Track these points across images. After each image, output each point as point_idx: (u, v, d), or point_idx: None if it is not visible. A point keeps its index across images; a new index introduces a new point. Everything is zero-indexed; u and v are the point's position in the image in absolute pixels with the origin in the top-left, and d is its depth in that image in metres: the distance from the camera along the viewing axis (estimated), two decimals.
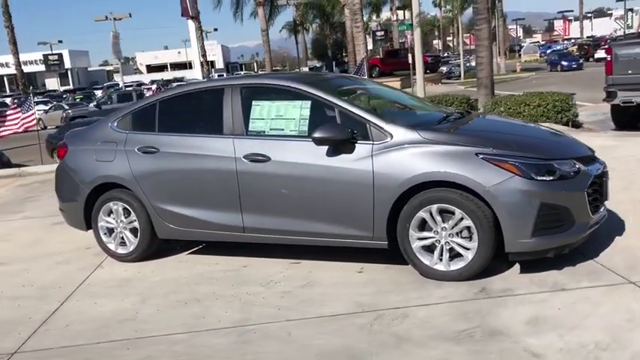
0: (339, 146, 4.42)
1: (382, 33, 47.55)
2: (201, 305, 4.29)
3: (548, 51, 63.20)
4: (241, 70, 78.27)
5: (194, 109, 5.35)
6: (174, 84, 52.04)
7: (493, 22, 49.73)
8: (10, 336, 4.07)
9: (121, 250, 5.47)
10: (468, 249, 4.19)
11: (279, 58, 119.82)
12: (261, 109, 4.85)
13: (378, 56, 41.82)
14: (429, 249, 4.33)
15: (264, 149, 4.70)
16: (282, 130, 4.74)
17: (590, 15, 74.15)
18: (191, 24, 11.37)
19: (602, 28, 72.74)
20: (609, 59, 10.00)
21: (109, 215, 5.45)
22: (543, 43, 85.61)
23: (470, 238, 4.17)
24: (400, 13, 48.61)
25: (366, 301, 4.06)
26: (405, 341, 3.45)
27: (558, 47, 66.31)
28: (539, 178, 4.05)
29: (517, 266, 4.38)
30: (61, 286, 4.99)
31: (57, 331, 4.07)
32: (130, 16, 37.95)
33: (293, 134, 4.69)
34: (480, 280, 4.21)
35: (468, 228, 4.16)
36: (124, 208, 5.35)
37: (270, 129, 4.78)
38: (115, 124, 5.47)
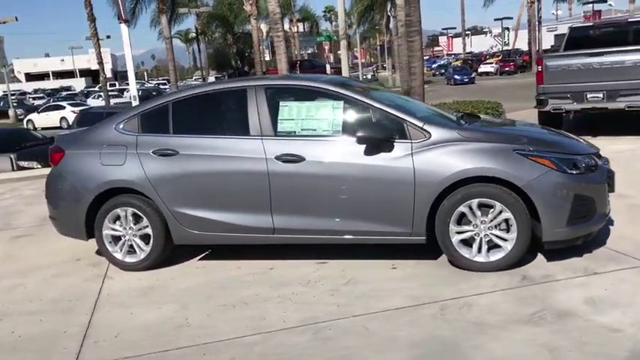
0: (379, 145, 4.53)
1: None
2: (252, 308, 4.21)
3: (434, 65, 66.98)
4: None
5: (213, 110, 5.23)
6: (64, 93, 49.22)
7: (386, 37, 51.78)
8: (56, 351, 3.78)
9: (129, 259, 5.20)
10: (506, 240, 4.45)
11: (166, 68, 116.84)
12: (290, 109, 4.85)
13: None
14: (466, 242, 4.54)
15: (297, 149, 4.70)
16: (315, 130, 4.77)
17: (467, 32, 79.01)
18: (124, 28, 10.88)
19: (479, 44, 78.09)
20: (540, 70, 10.86)
21: (114, 222, 5.17)
22: (427, 57, 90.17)
23: (507, 229, 4.43)
24: (300, 25, 49.46)
25: (419, 294, 4.19)
26: (486, 327, 3.62)
27: (442, 62, 70.45)
28: (570, 171, 4.40)
29: (540, 256, 4.69)
30: (77, 299, 4.68)
31: (109, 342, 3.83)
32: (17, 19, 35.58)
33: (326, 134, 4.74)
34: (516, 269, 4.48)
35: (506, 220, 4.42)
36: (134, 214, 5.11)
37: (302, 129, 4.80)
38: (121, 126, 5.21)
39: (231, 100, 5.18)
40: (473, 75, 41.78)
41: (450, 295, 4.13)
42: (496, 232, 4.46)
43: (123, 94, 41.68)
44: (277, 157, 4.71)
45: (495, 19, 60.99)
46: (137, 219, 5.13)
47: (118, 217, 5.17)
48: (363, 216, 4.65)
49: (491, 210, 4.43)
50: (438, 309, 3.93)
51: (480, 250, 4.51)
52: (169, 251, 5.21)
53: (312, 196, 4.71)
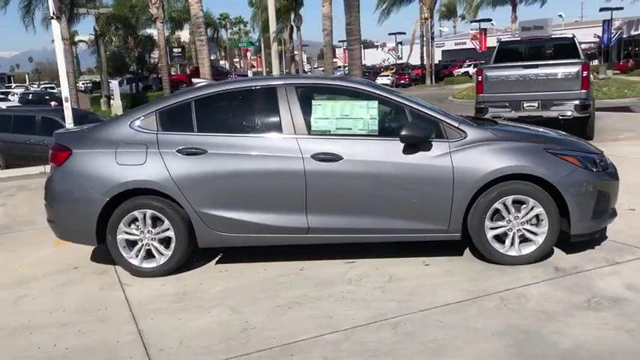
0: (419, 144, 4.64)
1: (179, 50, 46.91)
2: (309, 307, 4.14)
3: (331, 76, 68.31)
4: (10, 82, 70.28)
5: (241, 108, 5.08)
6: None
7: (289, 45, 52.18)
8: None
9: (147, 265, 4.91)
10: (536, 234, 4.71)
11: (47, 71, 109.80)
12: (324, 108, 4.83)
13: (186, 72, 41.15)
14: (498, 237, 4.75)
15: (333, 148, 4.70)
16: (350, 129, 4.79)
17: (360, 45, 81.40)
18: (55, 24, 10.00)
19: (371, 57, 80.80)
20: (480, 80, 11.52)
21: (129, 226, 4.87)
22: (322, 68, 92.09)
23: (537, 224, 4.70)
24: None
25: (470, 288, 4.33)
26: (553, 314, 3.82)
27: (338, 73, 72.10)
28: (594, 169, 4.75)
29: (558, 250, 4.99)
30: (105, 308, 4.35)
31: (178, 350, 3.61)
32: None
33: (362, 133, 4.77)
34: (543, 262, 4.75)
35: (537, 216, 4.68)
36: (153, 217, 4.84)
37: (337, 128, 4.80)
38: (137, 123, 4.93)
39: (259, 98, 5.05)
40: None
41: (499, 288, 4.30)
42: (527, 226, 4.71)
43: (8, 97, 38.59)
44: (313, 156, 4.67)
45: (390, 34, 63.37)
46: (155, 222, 4.86)
47: (133, 221, 4.87)
48: (400, 214, 4.72)
49: (524, 206, 4.67)
50: (498, 300, 4.09)
51: (512, 244, 4.73)
52: (188, 255, 4.98)
53: (349, 195, 4.71)
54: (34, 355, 3.65)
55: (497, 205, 4.66)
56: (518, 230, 4.71)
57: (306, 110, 4.82)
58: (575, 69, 10.76)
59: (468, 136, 4.69)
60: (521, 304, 4.02)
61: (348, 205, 4.73)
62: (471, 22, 54.12)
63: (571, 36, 12.48)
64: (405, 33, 63.65)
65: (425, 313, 3.95)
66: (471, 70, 54.50)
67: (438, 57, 65.88)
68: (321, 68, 71.63)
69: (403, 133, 4.56)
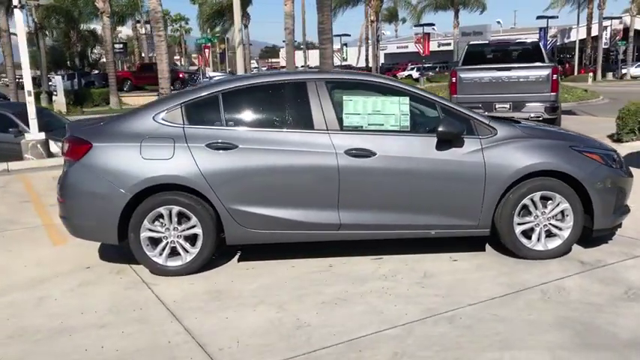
0: (452, 141, 4.68)
1: (121, 46, 45.55)
2: (356, 303, 4.10)
3: None
4: None
5: (270, 103, 4.96)
6: None
7: (227, 44, 51.52)
8: None
9: (172, 263, 4.74)
10: (561, 229, 4.84)
11: None
12: (355, 104, 4.80)
13: (131, 69, 39.89)
14: (525, 233, 4.85)
15: (367, 144, 4.67)
16: (382, 125, 4.78)
17: (302, 47, 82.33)
18: (18, 14, 9.37)
19: (314, 58, 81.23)
20: (454, 81, 11.76)
21: (153, 223, 4.68)
22: (265, 68, 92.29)
23: (562, 220, 4.83)
24: (149, 27, 47.18)
25: (508, 282, 4.41)
26: (599, 306, 3.93)
27: None
28: (614, 166, 4.93)
29: (575, 245, 5.14)
30: (140, 308, 4.16)
31: (238, 348, 3.49)
32: None
33: (394, 129, 4.77)
34: (566, 256, 4.88)
35: (562, 211, 4.81)
36: (179, 213, 4.67)
37: (369, 124, 4.78)
38: (161, 116, 4.74)
39: (289, 92, 4.96)
40: None
41: (536, 281, 4.39)
42: (553, 222, 4.83)
43: None
44: (347, 152, 4.64)
45: (335, 35, 63.76)
46: (182, 218, 4.69)
47: (158, 217, 4.68)
48: (432, 210, 4.75)
49: (550, 202, 4.79)
50: (540, 294, 4.17)
51: (538, 239, 4.84)
52: (214, 252, 4.84)
53: (382, 191, 4.70)
54: (85, 357, 3.46)
55: (526, 200, 4.76)
56: (544, 225, 4.83)
57: (337, 105, 4.78)
58: (545, 72, 11.16)
59: (498, 133, 4.77)
60: (563, 296, 4.12)
61: (380, 202, 4.72)
62: (415, 26, 55.12)
63: (536, 40, 12.91)
64: (349, 35, 64.21)
65: (474, 307, 3.98)
66: (415, 74, 55.75)
67: (380, 60, 66.83)
68: (264, 68, 71.35)
69: (441, 129, 4.58)
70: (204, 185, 4.60)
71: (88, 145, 4.68)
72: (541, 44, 12.66)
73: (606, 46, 51.87)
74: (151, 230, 4.68)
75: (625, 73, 50.11)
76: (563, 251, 4.85)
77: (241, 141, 4.64)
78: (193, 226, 4.69)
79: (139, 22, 47.28)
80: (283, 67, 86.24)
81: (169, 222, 4.68)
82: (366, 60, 57.91)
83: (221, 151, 4.63)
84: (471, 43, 13.65)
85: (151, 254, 4.71)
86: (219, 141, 4.64)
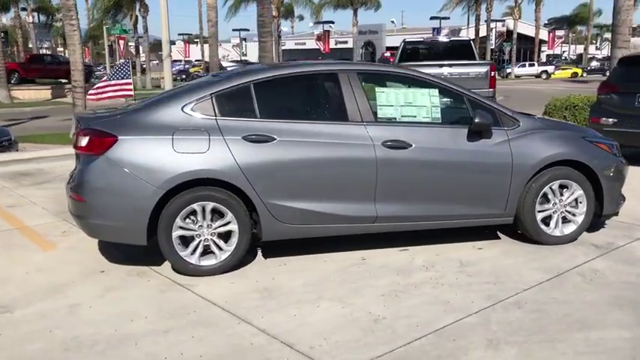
0: (482, 132, 4.81)
1: (2, 35, 42.19)
2: (417, 295, 4.10)
3: (172, 69, 66.49)
4: None
5: (304, 94, 4.84)
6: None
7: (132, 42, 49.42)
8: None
9: (205, 262, 4.49)
10: (575, 215, 5.13)
11: None
12: (388, 95, 4.80)
13: (19, 61, 36.84)
14: (543, 220, 5.09)
15: (402, 135, 4.69)
16: (415, 117, 4.82)
17: (196, 40, 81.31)
18: None
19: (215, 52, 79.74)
20: None
21: (184, 220, 4.42)
22: (157, 62, 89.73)
23: (576, 206, 5.12)
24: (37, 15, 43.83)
25: (543, 267, 4.60)
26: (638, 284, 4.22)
27: (178, 67, 70.32)
28: (617, 154, 5.29)
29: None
30: (194, 310, 3.91)
31: (330, 346, 3.38)
32: None
33: (427, 121, 4.83)
34: (578, 241, 5.17)
35: (576, 199, 5.10)
36: (213, 210, 4.44)
37: (402, 116, 4.80)
38: (190, 107, 4.48)
39: (321, 83, 4.85)
40: None
41: (567, 265, 4.62)
42: (569, 208, 5.10)
43: None
44: (384, 144, 4.63)
45: (234, 30, 63.11)
46: (216, 215, 4.47)
47: (190, 214, 4.42)
48: (463, 200, 4.86)
49: (566, 189, 5.06)
50: (579, 276, 4.40)
51: (556, 225, 5.10)
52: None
53: (417, 182, 4.74)
54: None
55: (546, 189, 4.99)
56: (561, 212, 5.09)
57: (370, 97, 4.75)
58: (484, 69, 11.73)
59: (521, 125, 4.96)
60: (602, 278, 4.37)
61: (415, 193, 4.76)
62: (315, 23, 55.76)
63: (467, 39, 13.53)
64: (249, 30, 63.69)
65: (530, 292, 4.12)
66: None
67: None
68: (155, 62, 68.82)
69: (477, 120, 4.69)
70: (242, 179, 4.39)
71: (112, 138, 4.31)
72: (472, 43, 13.25)
73: (492, 47, 55.33)
74: (182, 228, 4.41)
75: (509, 73, 53.75)
76: (577, 236, 5.14)
77: (278, 133, 4.49)
78: (228, 223, 4.47)
79: (24, 9, 43.90)
80: (175, 60, 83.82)
81: (203, 219, 4.43)
82: None
83: (258, 144, 4.44)
84: (406, 40, 14.03)
85: (184, 254, 4.43)
86: (257, 133, 4.45)
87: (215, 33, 19.14)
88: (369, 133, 4.62)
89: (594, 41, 75.82)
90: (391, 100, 4.78)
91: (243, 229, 4.49)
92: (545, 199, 5.03)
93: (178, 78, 59.17)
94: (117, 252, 5.01)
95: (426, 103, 4.84)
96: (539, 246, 5.06)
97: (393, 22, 67.64)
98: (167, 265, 4.69)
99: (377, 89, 4.79)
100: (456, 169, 4.78)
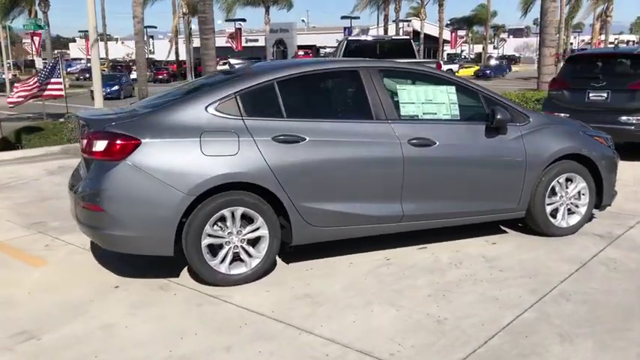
0: (499, 128, 4.87)
1: None
2: (462, 293, 4.07)
3: (71, 68, 63.68)
4: None
5: (327, 92, 4.67)
6: None
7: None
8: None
9: (235, 271, 4.24)
10: (578, 207, 5.32)
11: None
12: (409, 93, 4.75)
13: None
14: (551, 212, 5.24)
15: (426, 133, 4.66)
16: (435, 114, 4.80)
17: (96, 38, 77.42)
18: None
19: (115, 51, 76.46)
20: None
21: (212, 227, 4.16)
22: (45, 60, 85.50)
23: (579, 198, 5.31)
24: None
25: (566, 257, 4.73)
26: None
27: (79, 66, 67.25)
28: (612, 147, 5.55)
29: None
30: (245, 323, 3.67)
31: (410, 352, 3.28)
32: None
33: (447, 118, 4.82)
34: (581, 231, 5.37)
35: (579, 191, 5.29)
36: (243, 215, 4.21)
37: (424, 113, 4.76)
38: (215, 107, 4.21)
39: (344, 81, 4.70)
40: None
41: (586, 256, 4.77)
42: (573, 200, 5.29)
43: None
44: (409, 141, 4.58)
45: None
46: (245, 220, 4.23)
47: (219, 220, 4.16)
48: (483, 196, 4.90)
49: (570, 182, 5.24)
50: (603, 266, 4.56)
51: (562, 217, 5.26)
52: None
53: (441, 179, 4.73)
54: None
55: (555, 182, 5.14)
56: (567, 205, 5.26)
57: (393, 94, 4.68)
58: (432, 67, 11.95)
59: (531, 121, 5.07)
60: (624, 266, 4.55)
61: (439, 191, 4.74)
62: (226, 20, 54.86)
63: (408, 38, 13.79)
64: (156, 27, 61.61)
65: (567, 283, 4.21)
66: (226, 68, 55.49)
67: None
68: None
69: (499, 117, 4.73)
70: (274, 182, 4.19)
71: (135, 142, 3.96)
72: (412, 41, 13.52)
73: None
74: (211, 236, 4.13)
75: None
76: (580, 227, 5.34)
77: (308, 133, 4.31)
78: (257, 228, 4.25)
79: None
80: (76, 59, 79.96)
81: (232, 225, 4.18)
82: (176, 54, 56.10)
83: (288, 145, 4.25)
84: (349, 38, 14.09)
85: (213, 263, 4.16)
86: (286, 134, 4.25)
87: (141, 30, 18.31)
88: (394, 131, 4.54)
89: (492, 40, 79.94)
90: (412, 97, 4.73)
91: (274, 234, 4.28)
92: (553, 192, 5.18)
93: (81, 77, 56.43)
94: (121, 264, 4.64)
95: (444, 100, 4.83)
96: (547, 238, 5.21)
97: (303, 20, 67.93)
98: (185, 275, 4.42)
99: (398, 86, 4.72)
100: (476, 165, 4.81)
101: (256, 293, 4.12)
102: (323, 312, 3.80)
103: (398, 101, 4.67)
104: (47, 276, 4.56)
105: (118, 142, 3.97)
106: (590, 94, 8.87)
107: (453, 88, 4.87)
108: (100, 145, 4.00)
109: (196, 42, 72.67)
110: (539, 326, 3.55)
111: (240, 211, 4.16)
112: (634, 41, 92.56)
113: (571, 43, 59.88)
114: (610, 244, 5.06)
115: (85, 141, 4.15)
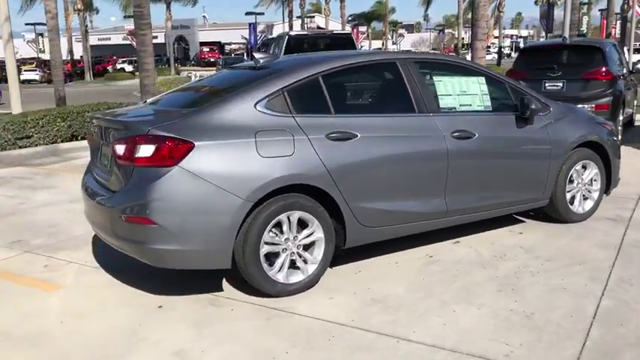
0: (528, 119, 4.89)
1: None
2: (525, 285, 4.03)
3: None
4: None
5: (370, 85, 4.43)
6: None
7: None
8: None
9: (294, 279, 3.95)
10: (590, 192, 5.47)
11: None
12: (445, 85, 4.65)
13: None
14: (570, 200, 5.34)
15: (466, 125, 4.59)
16: (470, 105, 4.73)
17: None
18: None
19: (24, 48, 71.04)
20: None
21: (268, 233, 3.85)
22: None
23: (591, 184, 5.46)
24: None
25: (595, 244, 4.83)
26: None
27: None
28: (615, 134, 5.75)
29: None
30: (333, 336, 3.40)
31: (520, 352, 3.18)
32: None
33: (481, 109, 4.77)
34: (593, 217, 5.51)
35: (591, 177, 5.44)
36: (299, 219, 3.93)
37: (460, 105, 4.68)
38: (263, 104, 3.88)
39: (383, 74, 4.49)
40: None
41: (615, 240, 4.89)
42: (587, 187, 5.42)
43: None
44: (452, 134, 4.48)
45: (26, 24, 56.84)
46: (300, 224, 3.95)
47: (275, 226, 3.85)
48: (515, 187, 4.91)
49: (584, 169, 5.37)
50: (636, 249, 4.69)
51: (579, 203, 5.39)
52: None
53: (480, 172, 4.68)
54: None
55: (573, 170, 5.24)
56: (582, 191, 5.38)
57: (431, 87, 4.56)
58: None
59: (552, 110, 5.13)
60: None
61: (478, 183, 4.68)
62: (125, 17, 52.56)
63: (349, 32, 13.76)
64: (45, 24, 57.78)
65: (618, 269, 4.27)
66: (128, 67, 53.21)
67: (79, 52, 61.86)
68: None
69: (533, 107, 4.74)
70: (330, 183, 3.93)
71: (188, 145, 3.56)
72: (352, 36, 13.50)
73: None
74: (268, 244, 3.82)
75: None
76: (594, 211, 5.48)
77: (359, 129, 4.09)
78: (312, 232, 3.98)
79: None
80: None
81: (289, 231, 3.88)
82: (71, 53, 52.91)
83: (341, 142, 4.01)
84: (290, 33, 13.83)
85: (272, 272, 3.84)
86: (338, 130, 4.01)
87: (55, 26, 16.95)
88: (437, 125, 4.43)
89: (390, 36, 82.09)
90: (448, 89, 4.63)
91: (329, 238, 4.03)
92: (570, 179, 5.28)
93: None
94: (149, 280, 4.20)
95: (476, 91, 4.77)
96: (567, 225, 5.31)
97: (204, 16, 66.38)
98: (227, 287, 4.08)
99: (435, 78, 4.60)
100: (511, 156, 4.81)
101: (321, 302, 3.85)
102: (404, 316, 3.61)
103: (436, 93, 4.55)
104: (70, 301, 4.03)
105: (166, 145, 3.55)
106: (547, 84, 9.22)
107: (483, 79, 4.83)
108: (146, 151, 3.56)
109: (92, 40, 69.32)
110: (626, 314, 3.57)
111: (296, 215, 3.87)
112: (516, 35, 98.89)
113: (462, 38, 62.57)
114: (627, 227, 5.23)
115: (121, 146, 3.68)
